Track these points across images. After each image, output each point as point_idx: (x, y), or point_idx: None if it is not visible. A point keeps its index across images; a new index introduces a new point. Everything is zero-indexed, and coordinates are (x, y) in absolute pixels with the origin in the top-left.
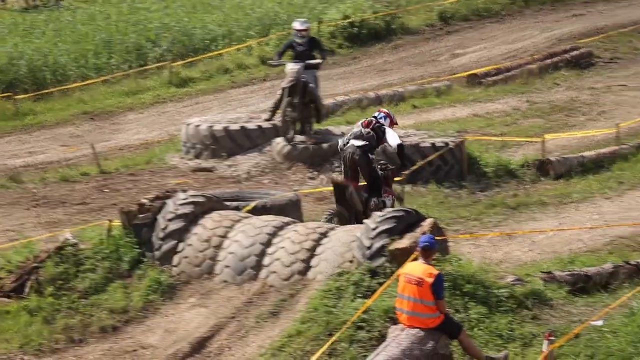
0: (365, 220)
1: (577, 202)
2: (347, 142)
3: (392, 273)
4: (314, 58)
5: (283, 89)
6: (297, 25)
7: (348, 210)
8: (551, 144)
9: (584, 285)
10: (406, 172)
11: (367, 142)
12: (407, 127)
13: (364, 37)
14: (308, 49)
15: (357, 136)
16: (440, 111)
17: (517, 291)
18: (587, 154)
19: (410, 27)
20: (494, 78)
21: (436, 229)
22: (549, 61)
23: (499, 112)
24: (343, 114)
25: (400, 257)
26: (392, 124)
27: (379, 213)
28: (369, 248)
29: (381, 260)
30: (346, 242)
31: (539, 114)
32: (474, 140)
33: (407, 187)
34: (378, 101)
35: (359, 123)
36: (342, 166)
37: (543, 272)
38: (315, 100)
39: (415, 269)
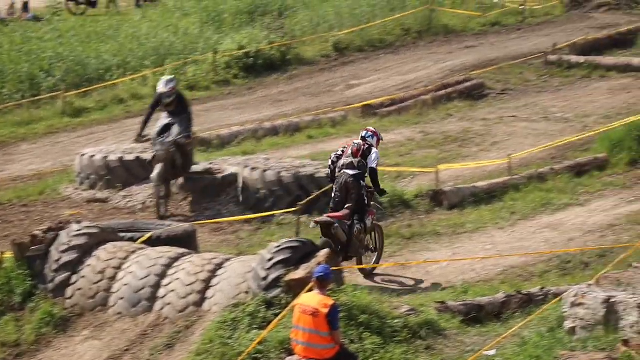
0: (260, 251)
1: (471, 232)
2: (341, 170)
3: (287, 304)
4: (185, 114)
5: (149, 163)
6: (161, 86)
7: (334, 242)
8: (445, 175)
9: (476, 315)
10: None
11: (360, 171)
12: (303, 158)
13: (259, 67)
14: (176, 106)
15: (350, 166)
16: (336, 141)
17: (411, 321)
18: (479, 184)
19: (305, 58)
20: (389, 109)
21: (332, 260)
22: (442, 92)
23: (393, 142)
24: (239, 145)
25: (295, 288)
26: (379, 141)
27: (274, 244)
28: (264, 279)
29: (277, 291)
30: (242, 273)
31: (433, 144)
32: None
33: (303, 218)
34: (274, 131)
35: (349, 151)
36: (334, 191)
37: (437, 302)
38: (187, 155)
39: (311, 299)
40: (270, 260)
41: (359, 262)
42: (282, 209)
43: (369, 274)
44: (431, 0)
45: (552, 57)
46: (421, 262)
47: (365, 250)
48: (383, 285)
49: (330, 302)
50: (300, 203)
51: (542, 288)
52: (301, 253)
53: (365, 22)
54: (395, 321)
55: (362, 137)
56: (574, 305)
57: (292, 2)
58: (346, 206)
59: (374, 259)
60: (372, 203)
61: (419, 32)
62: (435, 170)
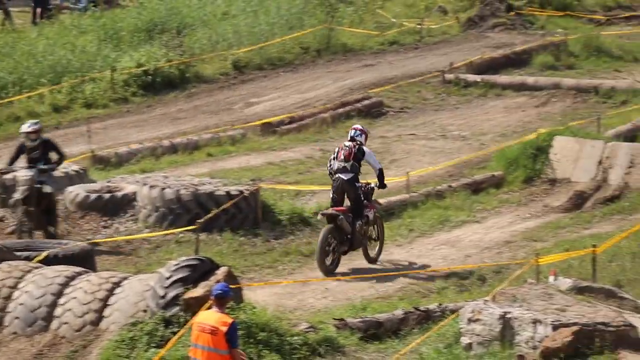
0: (159, 270)
1: (369, 249)
2: (336, 173)
3: (186, 322)
4: (49, 161)
5: (16, 200)
6: (24, 127)
7: (339, 232)
8: None
9: (375, 332)
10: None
11: (353, 174)
12: (202, 176)
13: (158, 85)
14: (42, 152)
15: (343, 170)
16: (235, 159)
17: (310, 338)
18: (378, 201)
19: (204, 76)
20: (288, 127)
21: (230, 277)
22: (341, 110)
23: (293, 160)
24: (137, 163)
25: (194, 306)
26: (367, 136)
27: (173, 262)
28: (162, 297)
29: (175, 310)
30: (140, 292)
31: None
32: (268, 188)
33: (202, 236)
34: (173, 149)
35: (343, 151)
36: (332, 192)
37: (336, 319)
38: (52, 206)
39: (209, 317)
40: (168, 278)
41: (365, 252)
42: (181, 227)
43: (372, 262)
44: (329, 19)
45: (449, 76)
46: (320, 279)
47: (369, 240)
48: (282, 302)
49: (229, 320)
50: (199, 221)
51: (440, 304)
52: (200, 271)
53: (264, 40)
54: (294, 338)
55: (351, 137)
56: (470, 321)
57: (191, 20)
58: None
59: (377, 248)
60: (372, 198)
61: (318, 51)
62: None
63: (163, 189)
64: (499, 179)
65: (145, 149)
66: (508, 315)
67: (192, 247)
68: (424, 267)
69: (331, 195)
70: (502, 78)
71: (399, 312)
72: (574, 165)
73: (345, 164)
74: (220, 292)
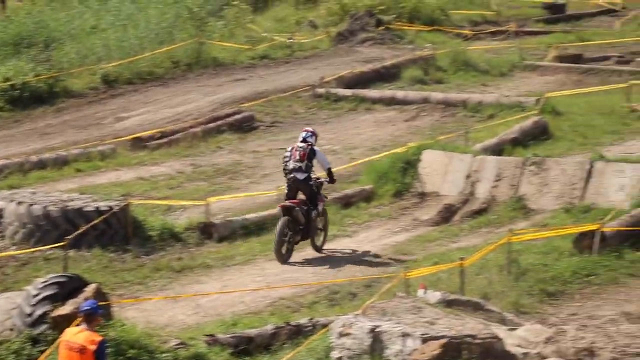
0: (26, 287)
1: (241, 264)
2: (290, 172)
3: (54, 340)
4: None
5: None
6: None
7: (296, 221)
8: (215, 207)
9: (246, 347)
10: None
11: (307, 174)
12: (71, 191)
13: (25, 100)
14: None
15: (298, 170)
16: (105, 175)
17: (180, 355)
18: (250, 216)
19: (73, 90)
20: (159, 141)
21: (99, 294)
22: (212, 125)
23: (163, 175)
24: (4, 178)
25: (62, 324)
26: (316, 138)
27: (40, 279)
28: (29, 315)
29: (43, 328)
30: (6, 310)
31: (203, 177)
32: (138, 203)
33: (71, 252)
34: (41, 165)
35: (296, 153)
36: (286, 188)
37: (206, 335)
38: None
39: (78, 335)
40: (36, 296)
41: (312, 242)
42: (49, 244)
43: (319, 250)
44: (200, 33)
45: (320, 90)
46: (191, 295)
47: (316, 230)
48: (153, 319)
49: (98, 338)
50: (67, 238)
51: (311, 319)
52: (68, 288)
53: (133, 54)
54: (165, 355)
55: (303, 138)
56: (341, 335)
57: (59, 34)
58: (299, 197)
59: (322, 237)
60: (321, 192)
61: (189, 65)
62: (206, 202)
63: (31, 205)
64: (369, 193)
65: (13, 164)
66: (378, 329)
67: (60, 264)
68: (295, 281)
69: (285, 191)
70: (372, 92)
71: (269, 327)
72: (443, 178)
73: (300, 164)
74: (88, 309)
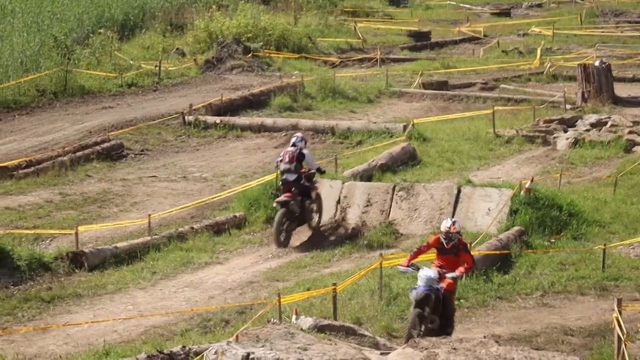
0: None
1: (112, 293)
2: (283, 174)
3: None
4: None
5: None
6: None
7: (290, 214)
8: (85, 236)
9: None
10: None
11: (297, 174)
12: None
13: None
14: None
15: (289, 171)
16: None
17: None
18: (120, 244)
19: None
20: (25, 170)
21: None
22: (80, 153)
23: (31, 204)
24: None
25: None
26: (306, 143)
27: None
28: None
29: None
30: None
31: (72, 205)
32: (5, 233)
33: None
34: None
35: (287, 155)
36: (282, 184)
37: None
38: None
39: None
40: None
41: (309, 225)
42: None
43: (315, 229)
44: (66, 62)
45: (189, 118)
46: (61, 325)
47: (312, 215)
48: (22, 350)
49: None
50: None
51: (184, 347)
52: None
53: None
54: None
55: (293, 143)
56: None
57: None
58: (292, 190)
59: (317, 217)
60: (313, 180)
61: (55, 93)
62: (75, 231)
63: None
64: (240, 220)
65: None
66: (252, 356)
67: None
68: (168, 309)
69: (281, 187)
70: (241, 119)
71: (142, 356)
72: None
73: (290, 166)
74: None
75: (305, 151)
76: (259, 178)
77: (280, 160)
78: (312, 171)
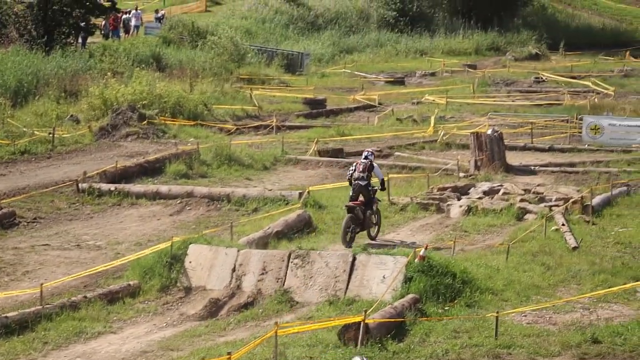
0: None
1: None
2: (355, 180)
3: None
4: None
5: None
6: None
7: (357, 217)
8: None
9: None
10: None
11: (367, 181)
12: None
13: None
14: None
15: (361, 179)
16: None
17: None
18: (11, 314)
19: None
20: None
21: None
22: None
23: None
24: None
25: None
26: (375, 156)
27: None
28: None
29: None
30: None
31: None
32: None
33: None
34: None
35: (360, 166)
36: (351, 191)
37: None
38: None
39: None
40: None
41: (369, 233)
42: None
43: (373, 239)
44: None
45: (83, 185)
46: None
47: (371, 224)
48: None
49: None
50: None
51: None
52: None
53: None
54: None
55: (365, 156)
56: None
57: None
58: (360, 199)
59: (376, 229)
60: (375, 196)
61: None
62: None
63: None
64: (134, 288)
65: None
66: None
67: None
68: None
69: (350, 194)
70: (136, 187)
71: None
72: (209, 273)
73: (362, 174)
74: None
75: (375, 164)
76: (153, 246)
77: (354, 170)
78: (376, 188)
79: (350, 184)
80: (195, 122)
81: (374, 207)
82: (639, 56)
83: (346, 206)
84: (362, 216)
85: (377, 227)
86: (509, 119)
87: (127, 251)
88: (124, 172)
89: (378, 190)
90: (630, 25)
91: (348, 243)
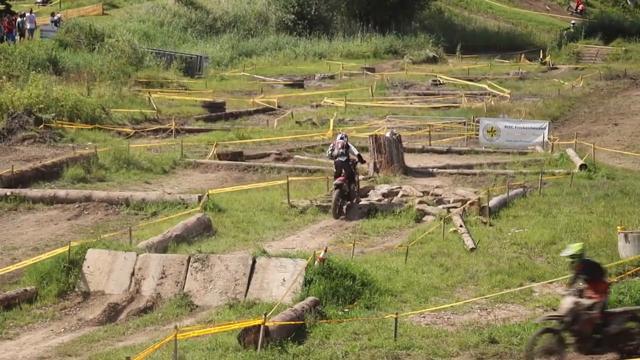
0: None
1: None
2: (336, 157)
3: None
4: None
5: None
6: None
7: (343, 192)
8: None
9: None
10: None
11: (347, 157)
12: None
13: None
14: None
15: (341, 155)
16: None
17: None
18: None
19: None
20: None
21: None
22: None
23: None
24: None
25: None
26: (348, 138)
27: None
28: None
29: None
30: None
31: None
32: None
33: None
34: None
35: (338, 144)
36: (335, 168)
37: None
38: None
39: None
40: None
41: (351, 202)
42: None
43: (354, 204)
44: None
45: None
46: None
47: (354, 194)
48: None
49: None
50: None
51: None
52: None
53: None
54: None
55: (341, 137)
56: None
57: None
58: (343, 174)
59: (357, 197)
60: (356, 169)
61: None
62: None
63: None
64: (31, 294)
65: None
66: None
67: None
68: None
69: (334, 171)
70: (33, 192)
71: None
72: (108, 277)
73: (342, 151)
74: None
75: (349, 143)
76: (51, 251)
77: (333, 149)
78: (355, 160)
79: (332, 159)
80: (93, 125)
81: (356, 179)
82: (534, 59)
83: (334, 184)
84: (348, 190)
85: (357, 194)
86: (408, 121)
87: (23, 256)
88: (20, 176)
89: (358, 164)
90: (525, 29)
91: (338, 215)
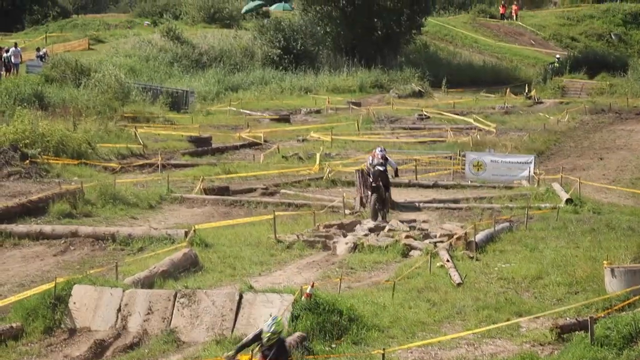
0: None
1: None
2: (375, 167)
3: None
4: None
5: None
6: None
7: (380, 196)
8: None
9: None
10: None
11: (384, 168)
12: None
13: None
14: None
15: (380, 165)
16: None
17: None
18: None
19: None
20: None
21: None
22: None
23: None
24: None
25: None
26: (386, 151)
27: None
28: None
29: None
30: None
31: None
32: None
33: None
34: None
35: (378, 155)
36: (372, 177)
37: None
38: None
39: None
40: None
41: (384, 214)
42: None
43: (383, 216)
44: None
45: None
46: None
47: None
48: None
49: None
50: (396, 176)
51: None
52: None
53: None
54: None
55: (380, 149)
56: None
57: None
58: (379, 181)
59: (387, 211)
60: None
61: None
62: None
63: None
64: (17, 330)
65: None
66: None
67: None
68: None
69: (371, 180)
70: (19, 227)
71: None
72: (94, 313)
73: (382, 161)
74: None
75: (387, 156)
76: (37, 287)
77: (373, 159)
78: (392, 174)
79: (367, 173)
80: (79, 161)
81: (389, 190)
82: (519, 93)
83: (372, 187)
84: (384, 196)
85: (388, 205)
86: (394, 155)
87: (9, 292)
88: (5, 212)
89: (393, 175)
90: (510, 63)
91: (376, 217)
